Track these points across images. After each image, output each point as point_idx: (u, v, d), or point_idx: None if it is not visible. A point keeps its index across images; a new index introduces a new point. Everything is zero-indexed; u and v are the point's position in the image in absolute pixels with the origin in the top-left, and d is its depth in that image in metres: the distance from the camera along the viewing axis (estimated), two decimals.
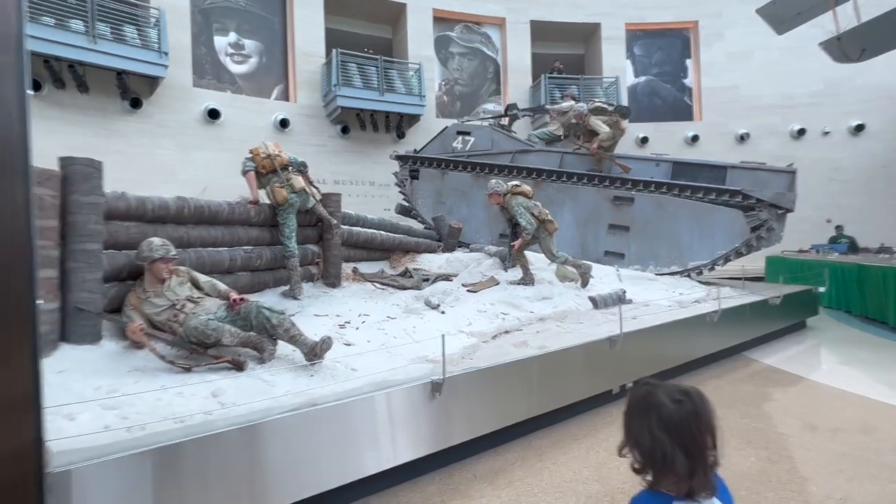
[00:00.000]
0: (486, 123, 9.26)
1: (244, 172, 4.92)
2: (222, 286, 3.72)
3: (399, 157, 9.43)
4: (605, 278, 6.98)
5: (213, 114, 12.39)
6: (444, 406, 3.30)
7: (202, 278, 3.75)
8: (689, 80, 17.51)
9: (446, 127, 9.61)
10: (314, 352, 3.23)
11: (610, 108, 7.97)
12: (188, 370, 3.03)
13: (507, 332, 4.71)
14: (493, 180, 5.79)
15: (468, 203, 8.80)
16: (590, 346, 4.34)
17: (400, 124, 14.66)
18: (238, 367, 3.11)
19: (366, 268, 6.52)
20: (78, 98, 10.86)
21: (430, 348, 3.77)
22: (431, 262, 7.24)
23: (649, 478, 1.22)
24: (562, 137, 9.10)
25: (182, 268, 3.76)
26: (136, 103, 11.40)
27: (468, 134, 9.14)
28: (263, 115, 13.51)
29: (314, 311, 4.64)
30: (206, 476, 2.29)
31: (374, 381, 3.07)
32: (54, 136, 10.40)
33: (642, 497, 1.23)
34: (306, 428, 2.59)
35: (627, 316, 4.81)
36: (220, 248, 4.47)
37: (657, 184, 7.73)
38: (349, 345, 3.86)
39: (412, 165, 9.25)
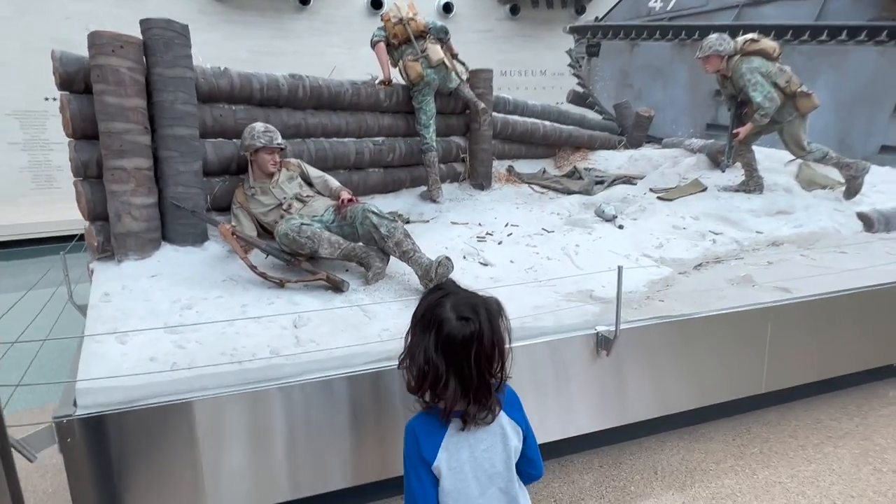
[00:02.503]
0: None
1: (373, 44, 4.00)
2: (335, 183, 3.01)
3: (575, 30, 7.56)
4: (881, 186, 4.63)
5: (376, 4, 11.67)
6: (613, 370, 2.18)
7: (314, 173, 3.08)
8: None
9: None
10: (428, 275, 2.34)
11: None
12: (281, 285, 2.44)
13: (718, 260, 3.22)
14: (713, 35, 3.88)
15: (665, 84, 6.72)
16: (864, 295, 2.65)
17: None
18: (336, 287, 2.40)
19: (524, 167, 5.35)
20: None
21: (598, 280, 2.60)
22: (609, 162, 5.70)
23: (426, 398, 1.17)
24: None
25: (293, 160, 3.13)
26: (304, 0, 11.27)
27: None
28: (426, 0, 12.39)
29: (452, 218, 3.75)
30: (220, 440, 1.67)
31: (509, 326, 2.08)
32: (239, 40, 10.94)
33: (417, 420, 1.19)
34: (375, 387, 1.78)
35: None
36: (345, 140, 3.76)
37: None
38: (485, 264, 2.90)
39: (591, 39, 7.34)
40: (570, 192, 4.51)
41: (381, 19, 4.04)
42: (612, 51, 7.11)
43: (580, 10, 12.15)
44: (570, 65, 7.80)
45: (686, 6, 6.57)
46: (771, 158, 4.83)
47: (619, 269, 1.96)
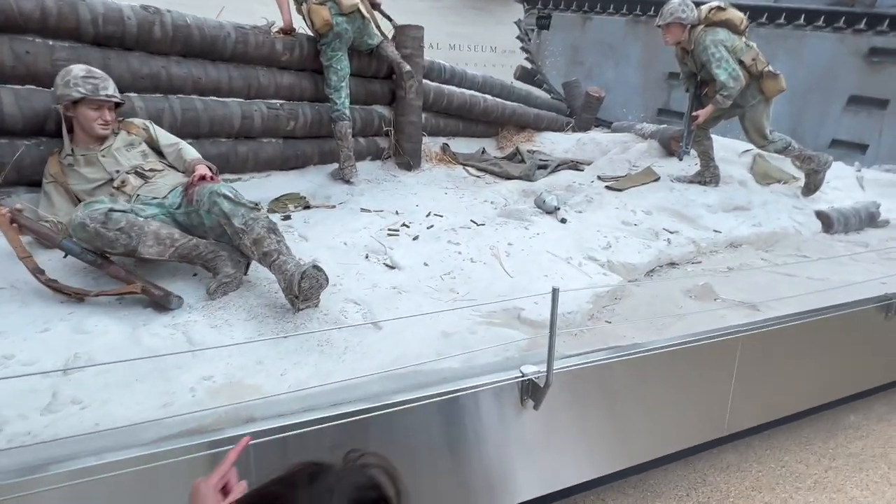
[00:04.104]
0: None
1: None
2: (191, 153, 2.23)
3: None
4: (835, 182, 4.34)
5: None
6: (543, 425, 1.61)
7: (166, 140, 2.29)
8: None
9: None
10: (292, 289, 1.66)
11: None
12: (80, 298, 1.68)
13: (673, 264, 2.72)
14: (676, 0, 3.35)
15: (616, 62, 6.24)
16: (835, 319, 2.22)
17: None
18: (160, 301, 1.67)
19: (461, 145, 4.69)
20: None
21: (530, 289, 2.02)
22: (556, 144, 5.16)
23: None
24: None
25: (139, 121, 2.32)
26: None
27: None
28: None
29: (364, 203, 3.06)
30: None
31: (404, 364, 1.46)
32: None
33: None
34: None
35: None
36: (227, 100, 2.95)
37: None
38: (392, 267, 2.24)
39: (542, 9, 6.73)
40: (509, 177, 3.91)
41: None
42: (563, 24, 6.55)
43: None
44: (518, 37, 7.19)
45: None
46: (725, 148, 4.43)
47: (555, 292, 1.36)
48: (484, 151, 4.65)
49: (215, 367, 1.40)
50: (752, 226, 3.28)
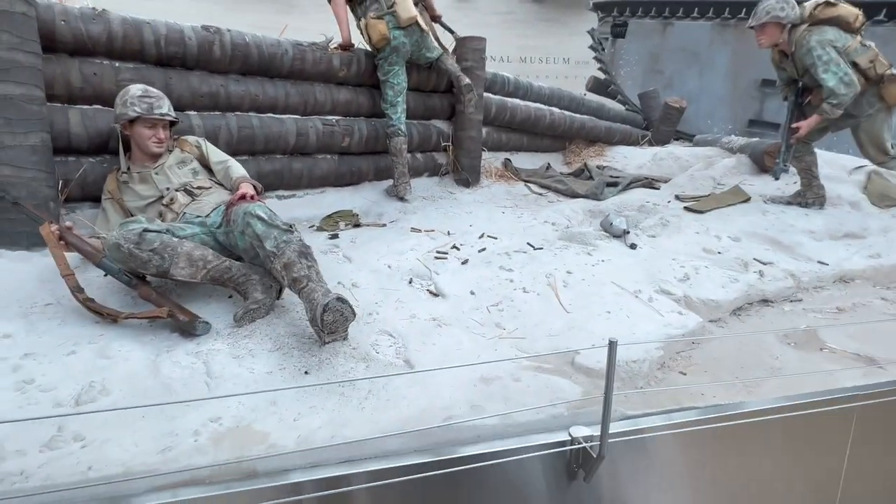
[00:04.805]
0: None
1: None
2: (238, 171, 2.20)
3: (599, 6, 6.60)
4: None
5: None
6: (596, 500, 1.34)
7: (216, 157, 2.27)
8: None
9: None
10: (315, 321, 1.52)
11: None
12: (114, 320, 1.65)
13: (766, 301, 2.31)
14: None
15: (701, 70, 5.73)
16: None
17: None
18: (185, 328, 1.60)
19: (524, 161, 4.47)
20: None
21: (588, 328, 1.75)
22: (629, 159, 4.79)
23: None
24: None
25: (192, 139, 2.33)
26: None
27: None
28: None
29: (416, 222, 2.92)
30: None
31: (432, 417, 1.27)
32: (240, 14, 10.22)
33: None
34: None
35: None
36: (283, 116, 2.94)
37: None
38: (435, 294, 2.06)
39: (617, 17, 6.36)
40: (574, 195, 3.62)
41: None
42: (640, 31, 6.14)
43: None
44: (591, 46, 6.84)
45: None
46: (831, 164, 3.85)
47: (611, 346, 1.10)
48: (549, 167, 4.39)
49: (226, 405, 1.28)
50: (868, 256, 2.75)
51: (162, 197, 2.11)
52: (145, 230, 1.67)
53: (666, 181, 3.97)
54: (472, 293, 2.07)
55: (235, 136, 2.69)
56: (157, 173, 2.16)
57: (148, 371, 1.41)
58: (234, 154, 2.54)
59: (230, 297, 1.88)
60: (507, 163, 4.25)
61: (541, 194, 3.77)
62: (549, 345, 1.69)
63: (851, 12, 2.89)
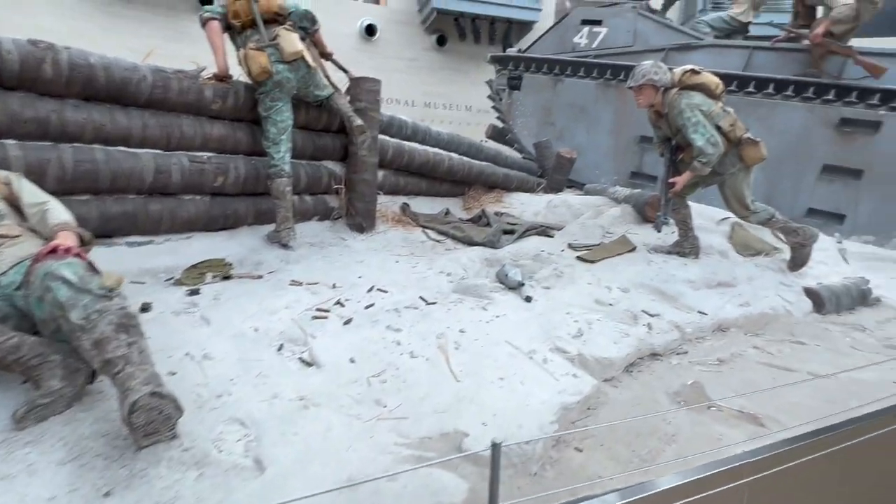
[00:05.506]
0: (627, 6, 6.25)
1: (203, 21, 2.85)
2: (59, 216, 1.76)
3: (496, 59, 6.89)
4: (817, 255, 4.08)
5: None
6: None
7: (31, 198, 1.82)
8: None
9: (567, 14, 6.78)
10: (127, 419, 1.16)
11: None
12: None
13: (655, 355, 2.31)
14: (647, 62, 3.16)
15: (588, 125, 6.12)
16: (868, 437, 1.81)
17: (508, 34, 11.81)
18: None
19: (424, 205, 4.35)
20: None
21: (478, 399, 1.56)
22: (526, 206, 4.87)
23: None
24: (749, 27, 5.86)
25: (2, 173, 1.86)
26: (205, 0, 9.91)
27: (598, 23, 6.27)
28: (348, 19, 11.46)
29: (295, 275, 2.60)
30: None
31: None
32: (122, 37, 9.31)
33: None
34: None
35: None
36: (139, 151, 2.53)
37: None
38: (308, 364, 1.76)
39: (513, 70, 6.67)
40: (471, 243, 3.53)
41: None
42: (534, 85, 6.47)
43: (508, 47, 11.80)
44: (489, 96, 7.09)
45: (611, 45, 6.09)
46: (702, 215, 4.18)
47: (495, 448, 0.91)
48: (448, 212, 4.30)
49: None
50: (740, 305, 2.92)
51: None
52: None
53: (559, 229, 4.05)
54: (353, 361, 1.80)
55: (70, 172, 2.23)
56: None
57: None
58: (69, 193, 2.11)
59: (25, 382, 1.43)
60: (405, 207, 4.10)
61: (438, 241, 3.64)
62: (434, 425, 1.47)
63: (713, 80, 3.18)
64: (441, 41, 11.98)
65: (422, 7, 11.51)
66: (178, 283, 2.38)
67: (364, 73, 3.59)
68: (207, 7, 2.85)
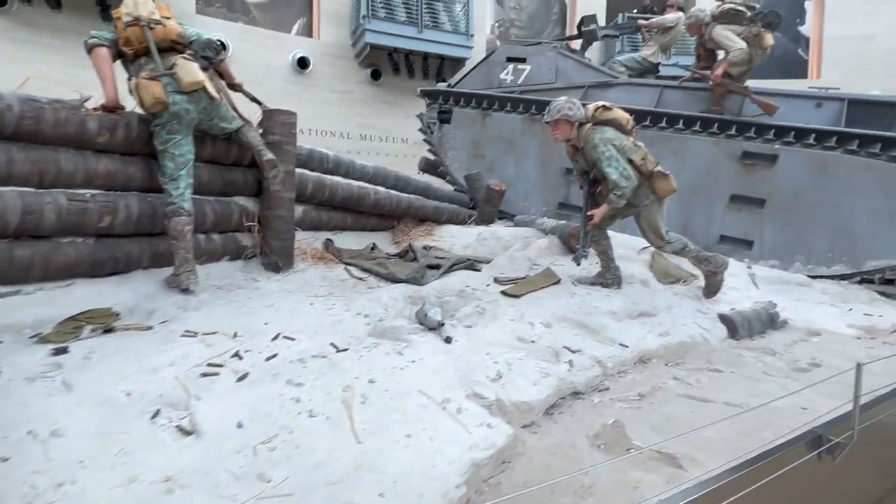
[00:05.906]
0: (549, 45, 6.53)
1: (88, 48, 2.61)
2: None
3: (426, 93, 6.94)
4: (730, 280, 4.29)
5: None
6: None
7: None
8: (807, 28, 13.82)
9: (493, 51, 6.99)
10: None
11: (748, 14, 5.09)
12: None
13: (577, 393, 2.24)
14: (562, 98, 3.24)
15: (517, 157, 6.24)
16: (778, 460, 1.81)
17: (441, 69, 12.08)
18: None
19: (350, 240, 4.19)
20: (55, 18, 8.97)
21: (379, 464, 1.39)
22: (456, 239, 4.82)
23: None
24: (659, 67, 6.28)
25: None
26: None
27: (523, 61, 6.49)
28: (280, 52, 11.28)
29: (191, 323, 2.34)
30: None
31: None
32: (24, 65, 8.59)
33: None
34: None
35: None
36: (3, 189, 2.22)
37: (820, 133, 4.87)
38: (187, 433, 1.53)
39: (443, 104, 6.74)
40: (395, 280, 3.40)
41: (113, 17, 2.69)
42: (463, 119, 6.56)
43: (441, 81, 12.04)
44: (421, 129, 7.11)
45: (535, 81, 6.31)
46: (624, 245, 4.30)
47: None
48: (374, 248, 4.16)
49: None
50: (660, 335, 2.95)
51: None
52: None
53: (488, 262, 4.00)
54: (240, 425, 1.59)
55: None
56: None
57: None
58: None
59: None
60: (327, 243, 3.91)
61: (361, 279, 3.47)
62: (324, 501, 1.29)
63: (624, 116, 3.29)
64: (375, 75, 12.06)
65: (355, 42, 11.58)
66: (44, 340, 2.06)
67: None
68: (95, 32, 2.62)
